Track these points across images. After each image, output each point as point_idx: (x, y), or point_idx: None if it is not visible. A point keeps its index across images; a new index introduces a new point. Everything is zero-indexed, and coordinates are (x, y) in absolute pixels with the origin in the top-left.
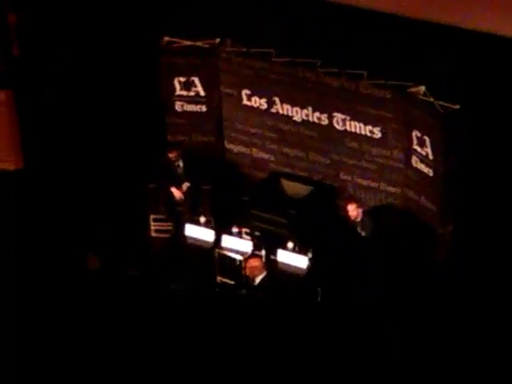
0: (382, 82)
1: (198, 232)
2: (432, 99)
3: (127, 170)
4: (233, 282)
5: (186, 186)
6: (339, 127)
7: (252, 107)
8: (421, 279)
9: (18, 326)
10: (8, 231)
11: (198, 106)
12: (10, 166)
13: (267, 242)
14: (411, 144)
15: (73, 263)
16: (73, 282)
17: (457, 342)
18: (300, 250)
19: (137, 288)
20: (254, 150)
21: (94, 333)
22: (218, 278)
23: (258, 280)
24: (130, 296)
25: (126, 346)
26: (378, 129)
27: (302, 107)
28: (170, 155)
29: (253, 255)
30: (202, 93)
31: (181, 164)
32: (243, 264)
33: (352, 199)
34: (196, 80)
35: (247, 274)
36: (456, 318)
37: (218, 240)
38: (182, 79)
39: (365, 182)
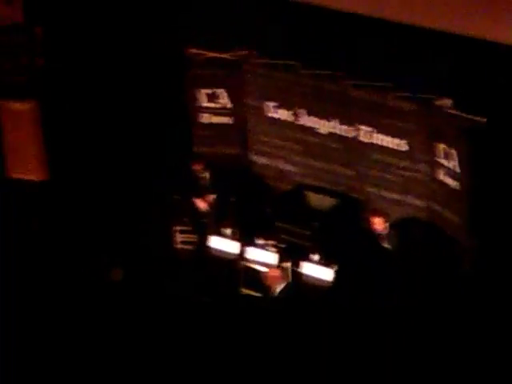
0: (409, 94)
1: (223, 244)
2: (459, 112)
3: (153, 181)
4: (258, 295)
5: (211, 197)
6: (365, 140)
7: (278, 119)
8: (446, 293)
9: (40, 335)
10: (32, 242)
11: (224, 118)
12: (35, 177)
13: (292, 255)
14: (437, 157)
15: (97, 274)
16: (96, 292)
17: (481, 355)
18: (325, 262)
19: (161, 299)
20: (280, 162)
21: (117, 343)
22: (242, 290)
23: (278, 290)
24: (153, 307)
25: (149, 356)
26: (404, 141)
27: (328, 119)
28: (196, 167)
29: (272, 266)
30: (228, 105)
31: (206, 176)
32: (263, 275)
33: (378, 212)
34: (222, 92)
35: (267, 284)
36: (481, 332)
37: (242, 252)
38: (209, 91)
39: (390, 195)
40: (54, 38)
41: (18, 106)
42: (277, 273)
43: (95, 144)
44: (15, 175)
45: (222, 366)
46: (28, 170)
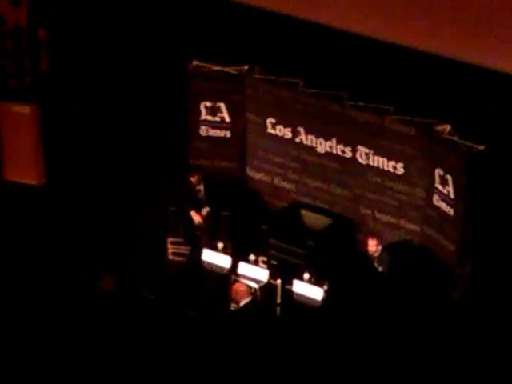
0: (408, 118)
1: (215, 257)
2: (457, 138)
3: (149, 191)
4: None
5: (205, 210)
6: (362, 161)
7: (276, 136)
8: (435, 318)
9: (32, 341)
10: (25, 246)
11: (223, 132)
12: (32, 181)
13: (283, 272)
14: (433, 182)
15: (88, 282)
16: (87, 300)
17: (473, 381)
18: (316, 281)
19: (150, 310)
20: (276, 178)
21: (105, 352)
22: (232, 305)
23: (241, 304)
24: (143, 318)
25: (137, 367)
26: (401, 165)
27: (326, 139)
28: (192, 179)
29: (238, 280)
30: (228, 119)
31: (202, 188)
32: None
33: (372, 234)
34: (222, 105)
35: (232, 297)
36: (470, 358)
37: (234, 267)
38: (209, 104)
39: (385, 218)
40: (58, 42)
41: (18, 108)
42: (243, 287)
43: (93, 150)
44: (12, 178)
45: (211, 379)
46: (25, 173)
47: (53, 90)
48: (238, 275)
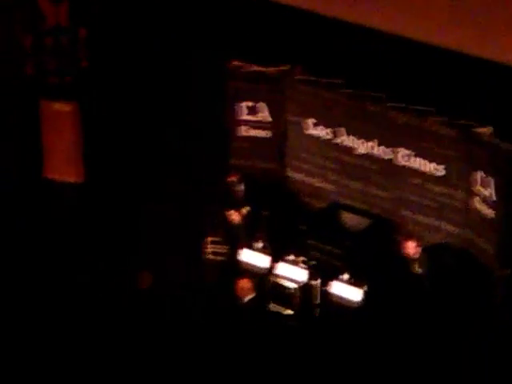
0: (449, 120)
1: (254, 257)
2: (498, 140)
3: (189, 190)
4: (287, 312)
5: (244, 210)
6: (403, 162)
7: (316, 137)
8: (475, 321)
9: (67, 338)
10: (65, 243)
11: (263, 132)
12: (71, 179)
13: (322, 273)
14: (474, 184)
15: (126, 280)
16: (125, 298)
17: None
18: (355, 282)
19: (188, 308)
20: (316, 179)
21: (142, 348)
22: (271, 305)
23: (245, 300)
24: (179, 316)
25: (173, 365)
26: (442, 167)
27: (367, 140)
28: (231, 179)
29: (245, 276)
30: (268, 118)
31: (241, 188)
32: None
33: (411, 236)
34: (263, 106)
35: (237, 293)
36: (507, 362)
37: (272, 267)
38: (249, 104)
39: (424, 220)
40: (98, 40)
41: (59, 106)
42: (248, 284)
43: (133, 149)
44: (52, 176)
45: (247, 381)
46: (65, 171)
47: (93, 88)
48: (276, 275)
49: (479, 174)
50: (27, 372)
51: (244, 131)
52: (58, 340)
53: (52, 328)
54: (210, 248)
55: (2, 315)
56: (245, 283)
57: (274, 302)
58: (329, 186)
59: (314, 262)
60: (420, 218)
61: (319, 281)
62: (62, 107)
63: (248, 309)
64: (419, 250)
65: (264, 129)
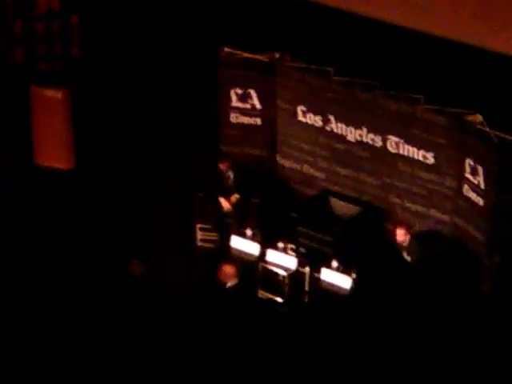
0: (439, 107)
1: (244, 244)
2: (488, 129)
3: (178, 176)
4: (277, 299)
5: (234, 197)
6: (392, 150)
7: (306, 124)
8: (465, 308)
9: (60, 325)
10: (54, 230)
11: (253, 119)
12: (62, 165)
13: (312, 260)
14: (464, 172)
15: (117, 266)
16: (116, 284)
17: (500, 373)
18: (344, 269)
19: (177, 295)
20: (306, 166)
21: (133, 335)
22: (260, 293)
23: (228, 285)
24: (169, 303)
25: (161, 353)
26: (432, 154)
27: (357, 127)
28: (221, 166)
29: (228, 262)
30: (258, 106)
31: (231, 175)
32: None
33: (401, 223)
34: (253, 92)
35: (220, 278)
36: (499, 349)
37: (262, 254)
38: (239, 91)
39: (414, 207)
40: (89, 27)
41: (49, 93)
42: (231, 270)
43: (123, 136)
44: (42, 162)
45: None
46: (55, 157)
47: (84, 75)
48: (266, 262)
49: (468, 162)
50: (26, 367)
51: (234, 118)
52: (52, 330)
53: (47, 320)
54: (200, 235)
55: None
56: (228, 268)
57: (263, 289)
58: (319, 173)
59: (303, 250)
60: (409, 205)
61: (309, 268)
62: (53, 94)
63: (237, 296)
64: (408, 237)
65: (254, 116)
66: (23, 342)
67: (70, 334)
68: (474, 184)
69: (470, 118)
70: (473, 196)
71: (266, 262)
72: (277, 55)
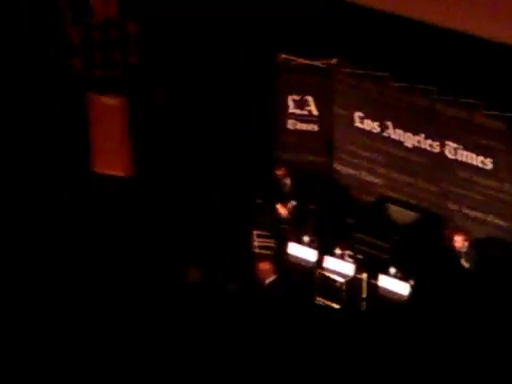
0: (498, 113)
1: (301, 251)
2: None
3: (236, 183)
4: (335, 305)
5: (291, 204)
6: (450, 156)
7: (364, 130)
8: None
9: (113, 332)
10: (113, 237)
11: (310, 125)
12: (119, 173)
13: (369, 266)
14: None
15: (174, 274)
16: (173, 292)
17: None
18: (402, 276)
19: (235, 302)
20: (363, 172)
21: (190, 344)
22: (317, 299)
23: (267, 282)
24: (227, 310)
25: (221, 359)
26: (490, 160)
27: (415, 133)
28: (278, 172)
29: (263, 259)
30: (315, 112)
31: (288, 182)
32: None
33: (459, 230)
34: (310, 99)
35: (258, 275)
36: None
37: (319, 260)
38: (296, 97)
39: (473, 213)
40: (147, 35)
41: (107, 100)
42: (268, 266)
43: (180, 143)
44: (100, 170)
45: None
46: (113, 165)
47: (141, 82)
48: (323, 269)
49: None
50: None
51: (291, 125)
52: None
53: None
54: (257, 242)
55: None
56: (264, 265)
57: (320, 296)
58: (376, 180)
59: (361, 256)
60: (468, 211)
61: (366, 274)
62: (110, 101)
63: (297, 302)
64: (467, 243)
65: (311, 122)
66: (65, 344)
67: (126, 339)
68: None
69: None
70: None
71: (323, 269)
72: (333, 61)
